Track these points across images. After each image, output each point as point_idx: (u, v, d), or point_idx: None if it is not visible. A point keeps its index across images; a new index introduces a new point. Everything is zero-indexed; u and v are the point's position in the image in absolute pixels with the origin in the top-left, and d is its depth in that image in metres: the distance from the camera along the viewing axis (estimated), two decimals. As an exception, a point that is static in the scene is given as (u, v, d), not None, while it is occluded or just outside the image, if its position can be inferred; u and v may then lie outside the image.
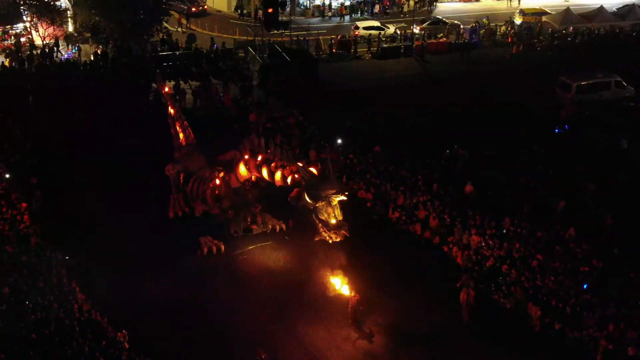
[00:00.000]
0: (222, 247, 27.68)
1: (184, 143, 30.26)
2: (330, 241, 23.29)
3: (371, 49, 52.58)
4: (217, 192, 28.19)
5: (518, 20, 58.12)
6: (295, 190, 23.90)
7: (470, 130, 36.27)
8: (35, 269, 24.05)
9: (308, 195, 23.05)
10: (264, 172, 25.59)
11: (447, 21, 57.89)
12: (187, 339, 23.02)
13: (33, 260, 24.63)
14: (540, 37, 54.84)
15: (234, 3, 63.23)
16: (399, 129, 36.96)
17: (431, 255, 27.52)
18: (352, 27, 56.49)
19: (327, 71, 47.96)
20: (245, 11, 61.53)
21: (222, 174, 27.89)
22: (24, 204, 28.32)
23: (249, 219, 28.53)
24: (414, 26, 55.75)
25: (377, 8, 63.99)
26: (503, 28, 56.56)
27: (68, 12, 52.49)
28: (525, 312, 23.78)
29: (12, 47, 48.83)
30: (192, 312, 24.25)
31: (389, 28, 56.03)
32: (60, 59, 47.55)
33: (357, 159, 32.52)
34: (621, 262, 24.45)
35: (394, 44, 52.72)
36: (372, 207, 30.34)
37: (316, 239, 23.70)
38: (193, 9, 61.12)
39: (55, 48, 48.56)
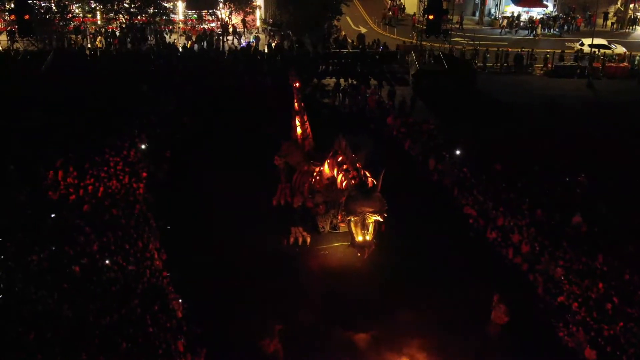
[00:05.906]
0: (308, 240, 28.46)
1: (299, 137, 31.34)
2: (359, 254, 23.34)
3: (547, 65, 50.57)
4: (312, 186, 29.00)
5: None
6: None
7: (607, 160, 34.19)
8: (128, 232, 26.29)
9: (344, 207, 23.29)
10: (335, 172, 25.97)
11: None
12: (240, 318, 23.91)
13: (131, 224, 26.96)
14: None
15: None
16: (530, 149, 35.32)
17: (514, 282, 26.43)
18: (578, 44, 54.23)
19: (492, 83, 47.11)
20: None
21: (317, 169, 28.64)
22: (144, 174, 30.89)
23: (339, 217, 28.84)
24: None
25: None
26: None
27: (258, 4, 55.70)
28: (583, 354, 22.30)
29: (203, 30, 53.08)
30: (255, 296, 25.07)
31: (616, 47, 53.09)
32: (236, 47, 50.64)
33: (470, 173, 31.81)
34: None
35: (569, 63, 50.20)
36: (472, 224, 29.66)
37: (348, 245, 23.76)
38: None
39: (234, 35, 51.91)
